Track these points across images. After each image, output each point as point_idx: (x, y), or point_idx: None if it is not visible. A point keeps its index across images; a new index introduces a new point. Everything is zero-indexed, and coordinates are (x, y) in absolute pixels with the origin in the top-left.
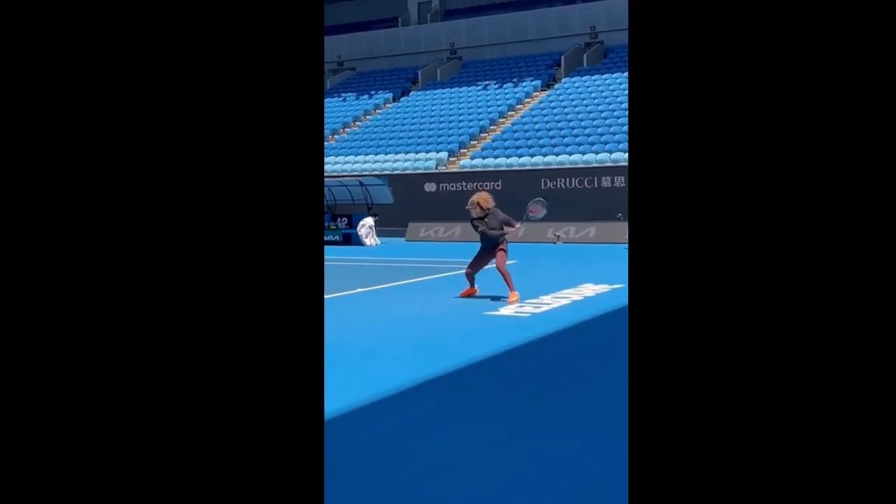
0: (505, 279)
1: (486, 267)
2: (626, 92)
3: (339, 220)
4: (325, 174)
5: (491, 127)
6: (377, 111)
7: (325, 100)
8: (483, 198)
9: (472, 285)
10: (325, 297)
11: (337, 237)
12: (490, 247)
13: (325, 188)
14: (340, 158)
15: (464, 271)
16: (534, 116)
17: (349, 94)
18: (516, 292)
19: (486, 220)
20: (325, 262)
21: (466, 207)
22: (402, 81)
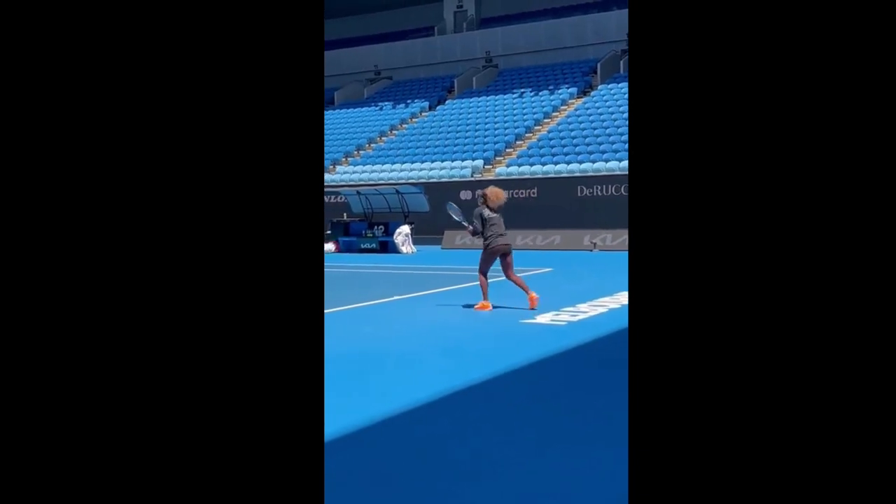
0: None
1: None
2: None
3: (375, 228)
4: (363, 182)
5: (527, 134)
6: (413, 120)
7: (362, 109)
8: (490, 192)
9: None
10: (363, 304)
11: (374, 245)
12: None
13: (363, 196)
14: (377, 167)
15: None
16: (570, 123)
17: (386, 103)
18: (487, 302)
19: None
20: (363, 270)
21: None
22: (438, 90)
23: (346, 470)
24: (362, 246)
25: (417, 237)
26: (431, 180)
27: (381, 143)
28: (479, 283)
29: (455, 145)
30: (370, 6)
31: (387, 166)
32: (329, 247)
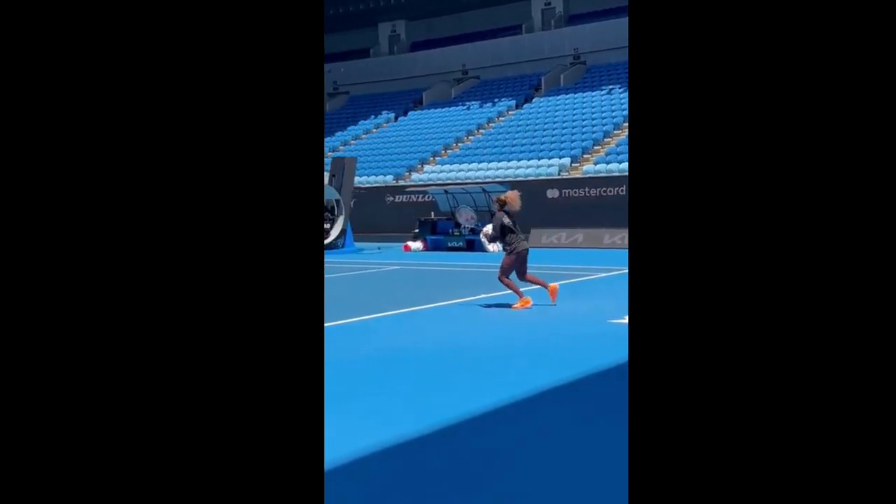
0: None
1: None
2: None
3: (462, 226)
4: (450, 181)
5: (615, 132)
6: (500, 118)
7: (450, 108)
8: (509, 197)
9: (521, 295)
10: (452, 301)
11: (460, 243)
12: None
13: (450, 195)
14: (464, 166)
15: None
16: None
17: (473, 102)
18: (527, 298)
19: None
20: (449, 268)
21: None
22: (525, 88)
23: (430, 470)
24: (449, 244)
25: None
26: (518, 179)
27: (468, 143)
28: (505, 285)
29: (542, 143)
30: (458, 6)
31: (473, 165)
32: (417, 245)
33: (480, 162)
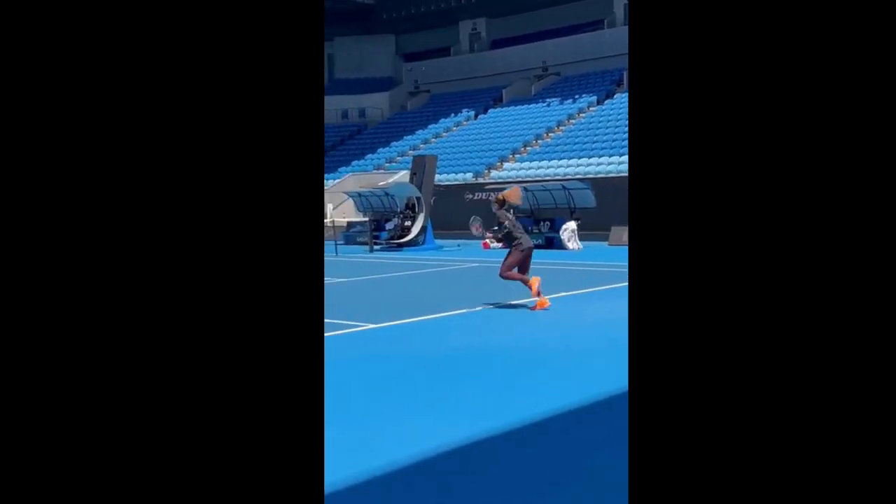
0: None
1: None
2: None
3: (542, 223)
4: (529, 178)
5: None
6: (581, 115)
7: (530, 105)
8: (509, 194)
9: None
10: (531, 299)
11: (540, 241)
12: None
13: (529, 192)
14: (544, 163)
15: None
16: None
17: (553, 99)
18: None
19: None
20: (530, 265)
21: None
22: (606, 84)
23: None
24: None
25: (583, 233)
26: (599, 175)
27: (548, 140)
28: (511, 279)
29: (623, 140)
30: (538, 3)
31: (553, 162)
32: (496, 243)
33: (560, 159)
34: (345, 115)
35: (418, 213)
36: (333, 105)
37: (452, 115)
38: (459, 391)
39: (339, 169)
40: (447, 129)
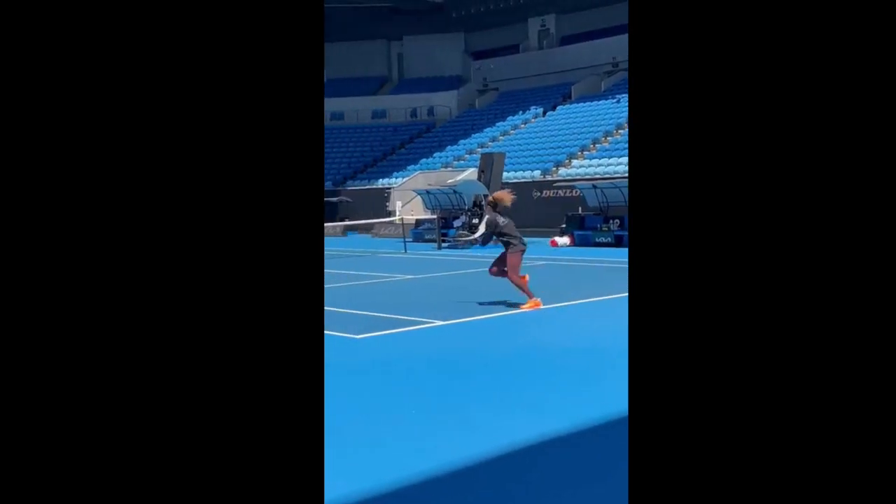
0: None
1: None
2: None
3: (611, 221)
4: (598, 176)
5: None
6: None
7: (599, 102)
8: (500, 197)
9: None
10: (597, 298)
11: (609, 239)
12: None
13: (598, 190)
14: (614, 160)
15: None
16: None
17: (623, 95)
18: (535, 298)
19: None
20: (598, 264)
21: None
22: None
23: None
24: (597, 240)
25: None
26: None
27: (618, 136)
28: (516, 285)
29: None
30: None
31: (623, 159)
32: (564, 240)
33: None
34: (413, 113)
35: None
36: (402, 104)
37: (521, 112)
38: (529, 388)
39: (408, 167)
40: (515, 127)
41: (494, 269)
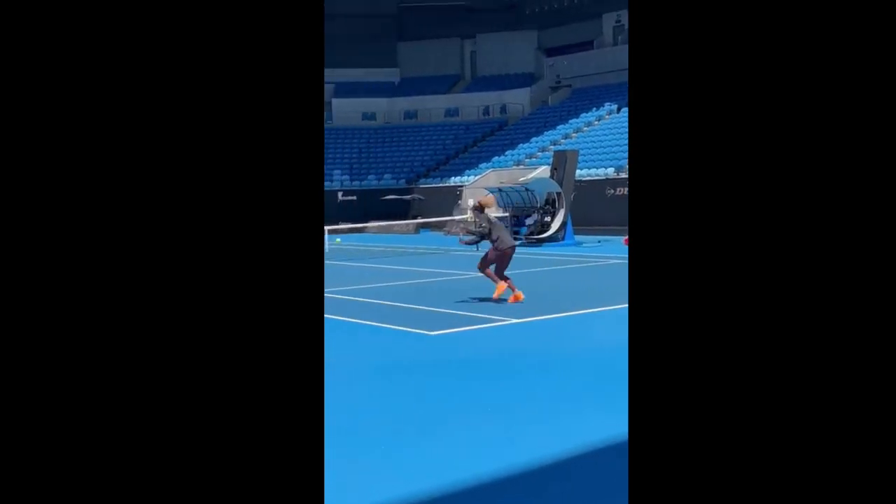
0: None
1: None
2: None
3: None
4: None
5: None
6: None
7: None
8: (485, 200)
9: (513, 289)
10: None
11: None
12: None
13: None
14: None
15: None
16: None
17: None
18: (501, 284)
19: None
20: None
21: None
22: None
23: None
24: None
25: None
26: None
27: None
28: (486, 275)
29: None
30: None
31: None
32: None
33: None
34: (486, 111)
35: (558, 209)
36: (475, 102)
37: (594, 109)
38: (607, 387)
39: (480, 165)
40: (588, 124)
41: (489, 270)
